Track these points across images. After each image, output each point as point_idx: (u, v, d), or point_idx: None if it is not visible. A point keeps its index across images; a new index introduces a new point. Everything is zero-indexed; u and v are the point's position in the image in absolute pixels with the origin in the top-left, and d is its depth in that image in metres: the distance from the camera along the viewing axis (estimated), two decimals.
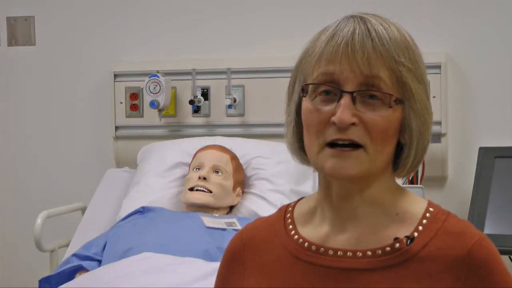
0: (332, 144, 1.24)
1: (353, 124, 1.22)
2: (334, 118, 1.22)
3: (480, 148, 3.00)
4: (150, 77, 3.27)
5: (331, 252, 1.28)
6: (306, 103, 1.27)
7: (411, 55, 1.26)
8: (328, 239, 1.29)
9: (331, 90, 1.24)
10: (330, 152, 1.23)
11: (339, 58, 1.23)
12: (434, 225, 1.27)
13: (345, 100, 1.22)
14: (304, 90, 1.27)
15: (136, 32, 3.48)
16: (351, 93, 1.23)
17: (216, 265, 2.37)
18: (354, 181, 1.26)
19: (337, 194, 1.28)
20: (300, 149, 1.32)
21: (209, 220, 2.70)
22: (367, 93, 1.23)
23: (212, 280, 2.29)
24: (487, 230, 2.69)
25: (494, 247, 1.26)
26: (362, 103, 1.23)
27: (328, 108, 1.24)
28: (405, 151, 1.28)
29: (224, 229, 2.67)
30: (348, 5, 3.10)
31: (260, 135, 3.25)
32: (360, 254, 1.26)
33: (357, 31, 1.24)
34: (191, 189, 2.84)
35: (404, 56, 1.25)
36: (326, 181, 1.30)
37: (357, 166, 1.23)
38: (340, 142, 1.23)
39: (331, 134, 1.23)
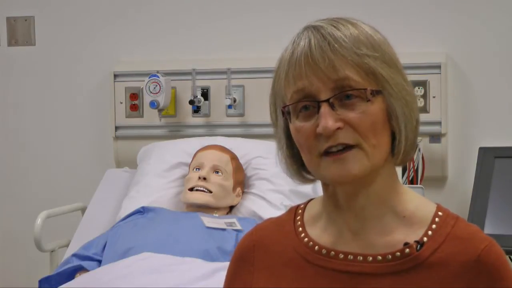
0: (327, 153, 1.24)
1: (339, 128, 1.23)
2: (318, 129, 1.23)
3: (480, 148, 3.00)
4: (150, 77, 3.27)
5: (341, 255, 1.28)
6: (292, 124, 1.28)
7: (374, 43, 1.26)
8: (338, 242, 1.30)
9: (308, 104, 1.25)
10: (328, 160, 1.24)
11: (304, 72, 1.24)
12: (444, 230, 1.27)
13: (324, 108, 1.23)
14: (284, 114, 1.29)
15: (136, 32, 3.48)
16: (327, 100, 1.24)
17: (216, 265, 2.40)
18: (358, 181, 1.25)
19: (343, 195, 1.29)
20: (299, 169, 1.33)
21: (209, 220, 2.70)
22: (342, 95, 1.24)
23: (212, 280, 2.31)
24: (487, 230, 2.68)
25: (503, 253, 1.26)
26: (341, 106, 1.24)
27: (311, 122, 1.25)
28: (397, 137, 1.27)
29: (224, 229, 2.67)
30: (348, 6, 3.12)
31: (260, 135, 3.24)
32: (370, 258, 1.26)
33: (312, 41, 1.25)
34: (191, 189, 2.84)
35: (366, 47, 1.25)
36: (331, 185, 1.30)
37: (358, 165, 1.23)
38: (334, 149, 1.24)
39: (322, 145, 1.24)
